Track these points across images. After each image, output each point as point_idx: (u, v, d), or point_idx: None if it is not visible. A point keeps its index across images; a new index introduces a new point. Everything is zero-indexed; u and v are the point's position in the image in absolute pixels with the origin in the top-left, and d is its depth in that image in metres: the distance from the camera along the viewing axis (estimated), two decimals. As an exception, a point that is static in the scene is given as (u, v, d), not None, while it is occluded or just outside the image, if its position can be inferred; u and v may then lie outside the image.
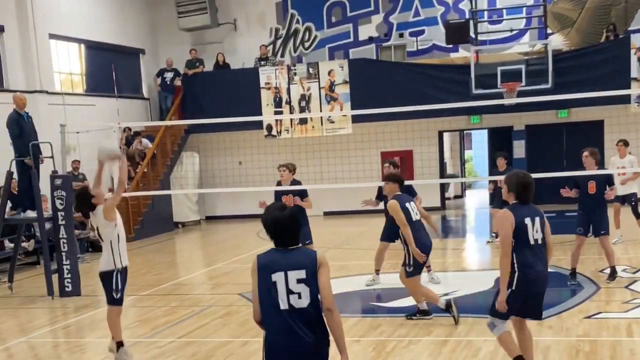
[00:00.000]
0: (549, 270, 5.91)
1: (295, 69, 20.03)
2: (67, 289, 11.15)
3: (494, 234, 13.69)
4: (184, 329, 8.74)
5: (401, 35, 20.88)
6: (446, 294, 9.15)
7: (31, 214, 11.91)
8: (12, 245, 13.14)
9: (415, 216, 8.25)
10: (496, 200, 12.75)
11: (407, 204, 8.23)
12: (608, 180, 9.82)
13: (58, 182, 11.27)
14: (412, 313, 8.45)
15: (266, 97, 20.01)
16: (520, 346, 5.99)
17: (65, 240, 11.26)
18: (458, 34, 18.38)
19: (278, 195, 10.18)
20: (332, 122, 19.71)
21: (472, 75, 17.24)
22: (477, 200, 24.03)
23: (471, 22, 18.45)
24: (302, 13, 21.63)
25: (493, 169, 14.02)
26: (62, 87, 18.33)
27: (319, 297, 4.21)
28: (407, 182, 8.98)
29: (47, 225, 11.87)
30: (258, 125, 19.75)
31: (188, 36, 22.23)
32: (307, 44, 21.68)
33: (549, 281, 5.87)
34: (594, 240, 10.10)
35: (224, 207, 21.89)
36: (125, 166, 7.66)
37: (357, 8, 21.21)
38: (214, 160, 21.52)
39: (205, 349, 7.78)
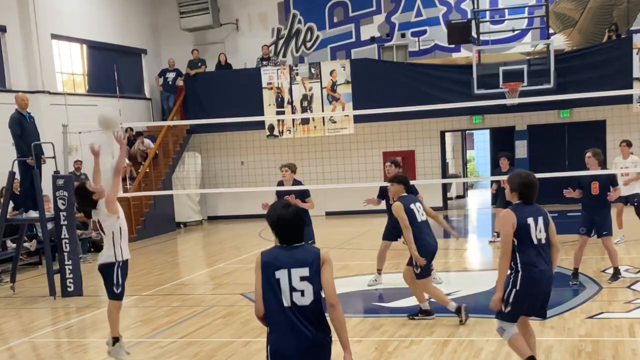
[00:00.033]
0: (552, 270, 5.89)
1: (297, 69, 20.01)
2: (69, 289, 11.17)
3: (495, 234, 13.68)
4: (185, 329, 8.74)
5: (403, 36, 20.88)
6: (448, 294, 9.13)
7: (33, 214, 11.93)
8: (14, 245, 13.14)
9: (421, 217, 8.20)
10: (499, 200, 12.74)
11: (411, 205, 8.19)
12: (611, 181, 9.78)
13: (60, 182, 11.31)
14: (414, 313, 8.44)
15: (268, 97, 20.00)
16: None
17: (67, 241, 11.27)
18: (460, 34, 18.37)
19: (280, 195, 10.17)
20: (334, 122, 19.70)
21: (474, 76, 17.26)
22: (479, 200, 24.04)
23: (473, 22, 18.45)
24: (304, 13, 21.62)
25: (495, 169, 14.00)
26: (64, 88, 18.32)
27: (322, 294, 4.22)
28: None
29: (49, 226, 11.90)
30: (260, 125, 19.75)
31: (190, 36, 22.25)
32: (309, 44, 21.68)
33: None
34: (596, 240, 10.10)
35: (226, 207, 21.91)
36: (123, 154, 7.63)
37: (359, 8, 21.20)
38: (216, 160, 21.50)
39: (207, 349, 7.78)
